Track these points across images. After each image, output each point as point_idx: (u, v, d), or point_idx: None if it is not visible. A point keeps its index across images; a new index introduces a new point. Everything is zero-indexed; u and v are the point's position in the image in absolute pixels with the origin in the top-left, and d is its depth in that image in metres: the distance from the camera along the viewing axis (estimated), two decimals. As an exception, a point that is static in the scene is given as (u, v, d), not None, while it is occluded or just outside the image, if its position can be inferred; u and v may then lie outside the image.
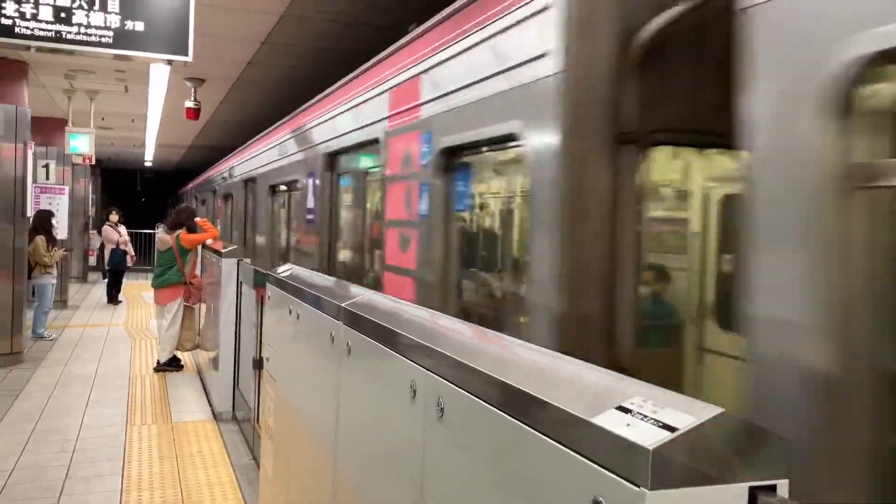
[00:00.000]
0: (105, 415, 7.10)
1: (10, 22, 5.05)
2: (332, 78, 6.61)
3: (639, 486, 1.10)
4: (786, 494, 1.14)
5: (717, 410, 1.14)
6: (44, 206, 13.31)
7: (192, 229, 9.16)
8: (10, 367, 9.05)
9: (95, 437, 6.40)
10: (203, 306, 9.52)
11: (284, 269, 4.31)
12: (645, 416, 1.18)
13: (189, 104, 11.16)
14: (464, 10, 3.62)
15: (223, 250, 7.47)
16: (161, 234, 9.51)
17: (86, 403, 7.49)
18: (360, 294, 2.95)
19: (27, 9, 5.09)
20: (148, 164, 26.90)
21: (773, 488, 1.13)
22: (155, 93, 12.16)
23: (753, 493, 1.12)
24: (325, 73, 9.43)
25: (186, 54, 5.50)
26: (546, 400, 1.37)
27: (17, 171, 9.39)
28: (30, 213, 9.90)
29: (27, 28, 5.09)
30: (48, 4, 5.12)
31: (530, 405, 1.42)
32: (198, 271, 9.46)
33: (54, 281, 11.08)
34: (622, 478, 1.13)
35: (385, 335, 2.29)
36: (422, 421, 1.93)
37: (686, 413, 1.15)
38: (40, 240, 10.46)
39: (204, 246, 9.18)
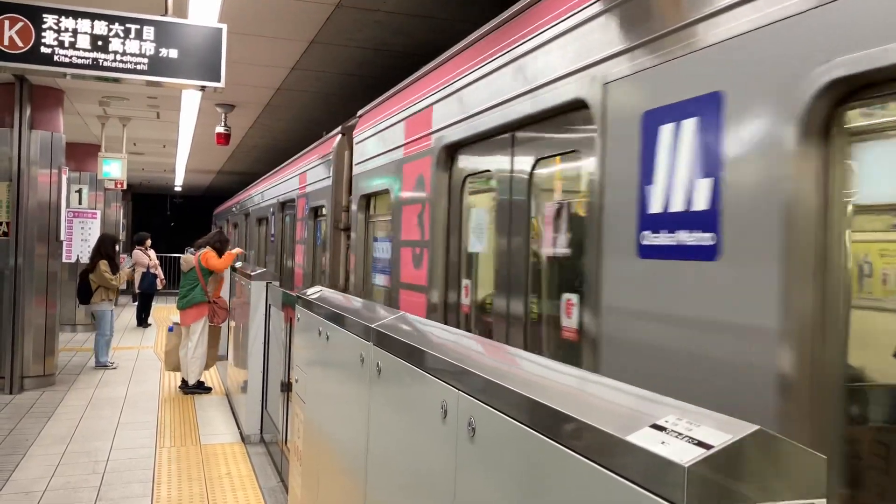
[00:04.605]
0: (135, 437, 7.16)
1: (49, 50, 5.19)
2: (361, 103, 6.70)
3: (674, 504, 1.10)
4: (823, 514, 1.14)
5: (753, 428, 1.13)
6: (76, 230, 13.54)
7: (219, 251, 9.26)
8: (42, 389, 9.17)
9: (126, 459, 6.45)
10: (228, 327, 9.61)
11: (314, 291, 4.35)
12: (679, 434, 1.18)
13: (220, 129, 11.32)
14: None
15: (252, 274, 7.55)
16: (185, 256, 9.66)
17: (116, 425, 7.56)
18: (390, 315, 2.97)
19: (66, 37, 5.22)
20: (178, 189, 27.25)
21: (809, 507, 1.13)
22: (186, 119, 12.36)
23: (790, 513, 1.12)
24: (352, 98, 9.55)
25: (219, 80, 5.60)
26: (580, 419, 1.38)
27: (51, 196, 9.59)
28: (62, 237, 10.06)
29: (65, 56, 5.22)
30: (86, 33, 5.26)
31: (564, 424, 1.43)
32: (223, 294, 9.58)
33: (114, 307, 10.93)
34: (657, 496, 1.13)
35: (415, 356, 2.30)
36: (453, 441, 1.94)
37: (721, 431, 1.15)
38: (104, 264, 10.38)
39: (233, 269, 9.29)
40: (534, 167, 3.45)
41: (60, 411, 8.12)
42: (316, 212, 8.04)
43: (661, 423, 1.25)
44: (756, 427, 1.14)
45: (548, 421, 1.48)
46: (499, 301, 3.69)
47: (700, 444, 1.13)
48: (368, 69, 8.73)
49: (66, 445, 6.78)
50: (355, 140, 6.19)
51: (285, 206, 10.42)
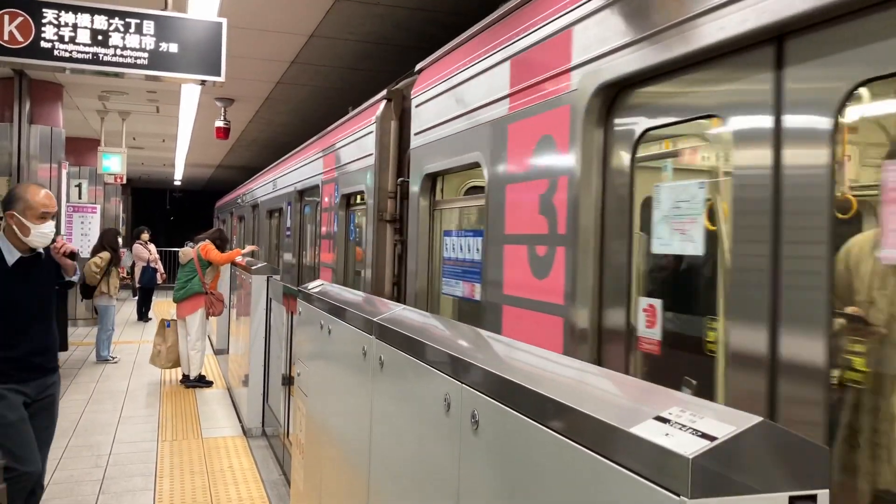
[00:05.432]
0: (137, 431, 7.18)
1: (49, 45, 5.19)
2: (362, 97, 6.68)
3: (678, 496, 1.10)
4: (826, 504, 1.14)
5: (756, 419, 1.14)
6: (75, 225, 13.53)
7: (219, 248, 9.33)
8: (43, 384, 9.18)
9: (128, 453, 6.47)
10: (229, 320, 9.65)
11: (315, 285, 4.36)
12: (683, 426, 1.19)
13: (219, 123, 11.32)
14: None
15: (252, 268, 7.57)
16: (184, 249, 9.74)
17: (118, 419, 7.58)
18: (391, 309, 2.98)
19: (66, 32, 5.22)
20: (177, 183, 27.24)
21: (812, 498, 1.14)
22: (185, 113, 12.36)
23: None
24: (353, 92, 9.55)
25: (219, 75, 5.60)
26: (584, 411, 1.38)
27: (51, 190, 9.57)
28: (62, 231, 10.07)
29: (65, 51, 5.22)
30: (86, 28, 5.26)
31: (568, 416, 1.44)
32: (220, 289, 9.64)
33: (115, 303, 10.92)
34: (662, 487, 1.14)
35: (418, 349, 2.31)
36: (457, 434, 1.95)
37: (724, 422, 1.16)
38: (97, 257, 10.32)
39: (234, 264, 9.33)
40: (843, 103, 1.86)
41: (62, 405, 8.10)
42: (348, 200, 6.68)
43: (664, 414, 1.26)
44: (760, 419, 1.15)
45: (551, 413, 1.49)
46: (737, 335, 2.08)
47: (704, 435, 1.14)
48: (370, 63, 8.72)
49: (69, 439, 6.80)
50: (414, 103, 4.77)
51: (304, 194, 8.98)
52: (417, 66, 4.89)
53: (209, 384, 9.34)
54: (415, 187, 4.72)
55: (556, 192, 2.95)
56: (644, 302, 2.57)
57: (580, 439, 1.38)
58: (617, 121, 2.71)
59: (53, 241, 4.19)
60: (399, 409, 2.53)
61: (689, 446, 1.12)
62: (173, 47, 5.45)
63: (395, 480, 2.52)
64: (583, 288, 2.74)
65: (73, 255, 4.32)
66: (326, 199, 7.35)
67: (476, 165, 3.80)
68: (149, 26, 5.41)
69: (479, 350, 2.13)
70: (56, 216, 4.18)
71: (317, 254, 8.06)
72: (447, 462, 2.01)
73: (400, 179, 5.32)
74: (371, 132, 5.70)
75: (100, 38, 5.28)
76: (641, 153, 2.64)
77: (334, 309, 3.50)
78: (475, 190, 4.52)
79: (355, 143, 6.21)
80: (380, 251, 5.47)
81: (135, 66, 5.38)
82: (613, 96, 2.71)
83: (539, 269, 3.05)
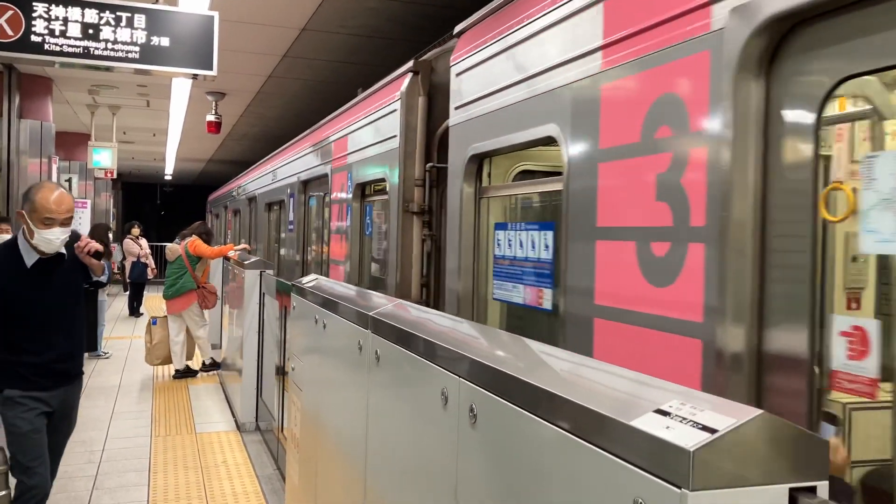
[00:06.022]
0: (130, 426, 7.17)
1: (39, 39, 5.15)
2: (353, 91, 6.67)
3: (680, 488, 1.11)
4: (825, 496, 1.15)
5: (757, 412, 1.15)
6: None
7: (206, 241, 9.39)
8: (35, 380, 9.15)
9: (121, 449, 6.46)
10: (221, 315, 9.65)
11: (309, 280, 4.35)
12: (684, 419, 1.20)
13: (210, 118, 11.29)
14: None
15: (245, 263, 7.55)
16: (171, 245, 9.76)
17: (111, 415, 7.56)
18: (387, 303, 2.98)
19: (56, 26, 5.19)
20: (168, 177, 27.15)
21: (812, 490, 1.14)
22: (176, 107, 12.31)
23: (794, 495, 1.13)
24: (345, 86, 9.52)
25: (211, 69, 5.58)
26: (584, 404, 1.39)
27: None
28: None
29: (56, 45, 5.19)
30: (76, 21, 5.22)
31: (568, 410, 1.44)
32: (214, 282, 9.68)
33: (106, 298, 10.92)
34: (663, 480, 1.15)
35: (415, 343, 2.31)
36: (455, 428, 1.95)
37: (725, 415, 1.16)
38: None
39: (226, 258, 9.33)
40: None
41: (54, 401, 8.11)
42: (363, 190, 6.01)
43: (664, 407, 1.26)
44: (760, 411, 1.15)
45: (551, 407, 1.50)
46: None
47: (705, 428, 1.14)
48: (362, 56, 8.70)
49: (61, 435, 6.77)
50: (454, 71, 4.12)
51: (309, 185, 8.26)
52: (457, 28, 4.20)
53: (194, 374, 9.48)
54: (455, 172, 4.04)
55: (687, 170, 2.21)
56: (844, 322, 1.84)
57: (580, 433, 1.39)
58: (789, 69, 1.97)
59: (73, 243, 3.91)
60: (396, 404, 2.54)
61: (691, 439, 1.12)
62: (165, 41, 5.43)
63: (392, 474, 2.52)
64: (736, 300, 2.02)
65: (98, 255, 4.01)
66: (337, 190, 6.62)
67: (549, 141, 3.09)
68: (140, 20, 5.38)
69: (476, 344, 2.13)
70: (68, 222, 3.85)
71: (324, 250, 7.45)
72: (445, 456, 2.01)
73: (429, 165, 4.75)
74: (395, 111, 5.00)
75: (90, 31, 5.26)
76: (829, 113, 1.94)
77: (329, 303, 3.49)
78: (527, 175, 3.99)
79: (373, 124, 5.55)
80: (405, 248, 4.83)
81: (126, 59, 5.36)
82: (784, 33, 1.98)
83: (657, 274, 2.32)
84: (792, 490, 1.13)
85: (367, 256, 6.02)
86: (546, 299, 3.17)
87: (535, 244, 3.29)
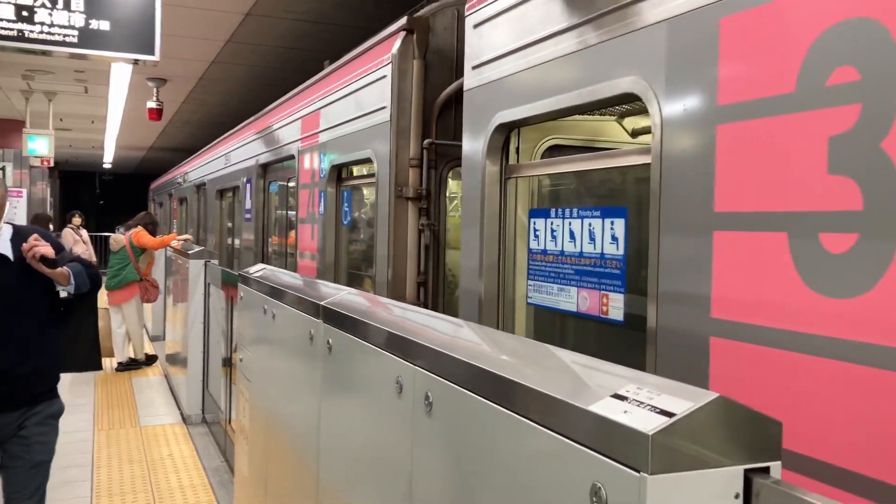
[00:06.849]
0: (71, 420, 6.96)
1: (-30, 21, 4.95)
2: (300, 77, 6.57)
3: (639, 472, 1.12)
4: (779, 476, 1.17)
5: (713, 396, 1.16)
6: None
7: (150, 232, 9.21)
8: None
9: (63, 444, 6.23)
10: (165, 306, 9.48)
11: (256, 269, 4.29)
12: (641, 403, 1.21)
13: (151, 104, 11.01)
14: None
15: (189, 252, 7.40)
16: (115, 235, 9.58)
17: (51, 409, 7.35)
18: (337, 292, 2.95)
19: (-12, 7, 4.99)
20: (107, 166, 26.45)
21: (766, 470, 1.16)
22: (115, 93, 11.98)
23: (748, 476, 1.14)
24: (292, 72, 9.39)
25: (153, 54, 5.42)
26: (541, 390, 1.39)
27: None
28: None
29: (-12, 27, 4.99)
30: (9, 3, 5.02)
31: (524, 395, 1.44)
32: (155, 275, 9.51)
33: None
34: (622, 464, 1.15)
35: (368, 332, 2.29)
36: (410, 416, 1.94)
37: (682, 398, 1.18)
38: None
39: (171, 249, 9.17)
40: None
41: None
42: (339, 172, 5.24)
43: (622, 392, 1.27)
44: (716, 395, 1.16)
45: (508, 393, 1.49)
46: None
47: (662, 412, 1.15)
48: (308, 42, 8.58)
49: None
50: (471, 23, 3.41)
51: (271, 168, 7.34)
52: None
53: (139, 365, 9.33)
54: (473, 148, 3.36)
55: (890, 131, 1.58)
56: None
57: (537, 418, 1.39)
58: None
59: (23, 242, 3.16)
60: (349, 393, 2.51)
61: (649, 423, 1.13)
62: (104, 24, 5.25)
63: (346, 464, 2.50)
64: None
65: (49, 262, 3.12)
66: (306, 173, 5.80)
67: (628, 99, 2.45)
68: (77, 2, 5.20)
69: (430, 332, 2.12)
70: None
71: (289, 242, 6.64)
72: (399, 445, 2.00)
73: (427, 141, 4.09)
74: (384, 77, 4.24)
75: (24, 13, 5.05)
76: None
77: (277, 293, 3.44)
78: (557, 150, 3.40)
79: (354, 95, 4.74)
80: (398, 240, 4.16)
81: (63, 44, 5.17)
82: None
83: (831, 279, 1.71)
84: (747, 471, 1.15)
85: (343, 250, 5.35)
86: (614, 307, 2.54)
87: (594, 236, 2.64)
